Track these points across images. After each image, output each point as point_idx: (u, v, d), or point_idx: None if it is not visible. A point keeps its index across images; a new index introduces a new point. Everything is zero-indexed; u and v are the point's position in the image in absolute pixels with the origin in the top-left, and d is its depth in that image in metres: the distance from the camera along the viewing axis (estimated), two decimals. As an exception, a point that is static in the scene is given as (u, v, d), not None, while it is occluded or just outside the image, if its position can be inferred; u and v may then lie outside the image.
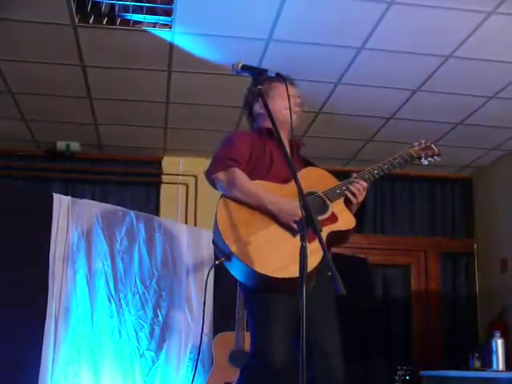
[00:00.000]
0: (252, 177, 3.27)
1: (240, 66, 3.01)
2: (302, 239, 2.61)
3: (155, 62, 5.05)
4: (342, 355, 3.21)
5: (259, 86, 2.97)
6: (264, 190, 3.20)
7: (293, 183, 3.14)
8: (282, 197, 3.18)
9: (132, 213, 5.65)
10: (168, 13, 4.39)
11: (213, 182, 3.31)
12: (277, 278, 3.04)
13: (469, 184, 7.66)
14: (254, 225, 3.16)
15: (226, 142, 3.42)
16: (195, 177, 6.82)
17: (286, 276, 3.02)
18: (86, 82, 5.37)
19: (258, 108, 3.51)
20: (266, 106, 2.90)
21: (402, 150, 6.50)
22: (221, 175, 3.24)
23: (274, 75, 2.98)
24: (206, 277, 3.48)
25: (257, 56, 4.85)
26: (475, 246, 7.48)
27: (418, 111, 5.84)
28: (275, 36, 4.62)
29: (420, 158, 3.73)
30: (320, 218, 3.15)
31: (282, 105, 3.39)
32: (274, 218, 3.16)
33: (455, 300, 7.38)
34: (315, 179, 3.36)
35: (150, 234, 5.62)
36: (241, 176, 3.22)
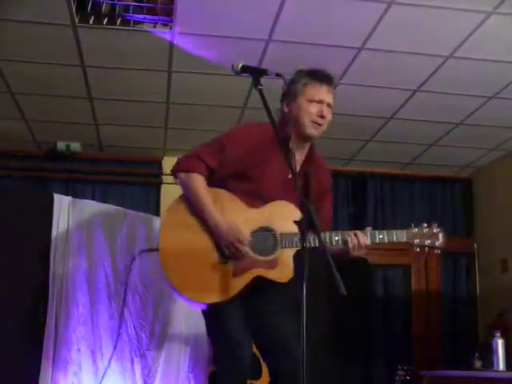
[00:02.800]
0: (231, 184, 3.23)
1: (240, 66, 3.01)
2: (304, 240, 2.63)
3: (155, 62, 5.05)
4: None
5: (260, 87, 2.96)
6: (212, 207, 3.14)
7: (266, 208, 3.18)
8: (228, 221, 3.12)
9: (132, 213, 5.67)
10: (168, 13, 4.39)
11: (174, 177, 3.31)
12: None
13: (469, 184, 7.65)
14: (193, 229, 3.16)
15: (219, 136, 3.36)
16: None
17: (192, 299, 3.14)
18: (86, 82, 5.37)
19: (284, 108, 3.37)
20: (266, 106, 2.88)
21: (401, 151, 6.54)
22: (181, 175, 3.24)
23: (274, 75, 2.98)
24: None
25: (257, 56, 4.84)
26: (475, 246, 7.47)
27: (418, 111, 5.84)
28: (275, 36, 4.62)
29: (413, 245, 3.39)
30: (259, 257, 3.13)
31: (307, 110, 3.27)
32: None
33: (455, 300, 7.38)
34: (284, 215, 3.18)
35: (150, 234, 5.62)
36: (198, 182, 3.19)
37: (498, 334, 5.51)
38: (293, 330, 3.03)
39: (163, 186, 7.06)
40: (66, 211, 5.36)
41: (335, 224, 7.26)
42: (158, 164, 7.12)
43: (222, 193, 3.24)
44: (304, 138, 3.31)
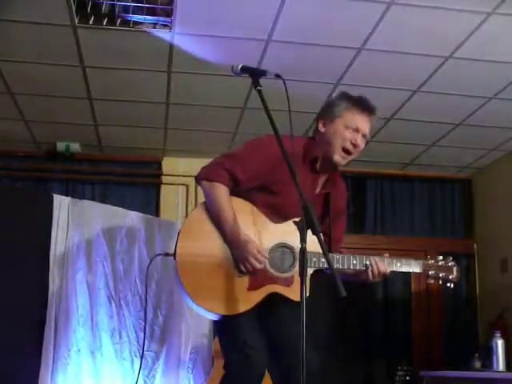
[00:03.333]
0: (254, 196, 3.21)
1: (239, 67, 3.01)
2: (303, 240, 2.62)
3: (155, 62, 5.04)
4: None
5: (259, 87, 2.96)
6: (233, 221, 3.10)
7: (287, 224, 3.12)
8: (247, 235, 3.09)
9: (132, 213, 5.67)
10: (168, 13, 4.39)
11: (198, 184, 3.29)
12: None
13: (469, 184, 7.65)
14: (212, 238, 3.13)
15: (246, 145, 3.31)
16: (195, 177, 6.82)
17: (205, 307, 3.10)
18: (86, 83, 5.37)
19: (320, 126, 3.34)
20: (265, 107, 2.87)
21: (401, 151, 6.54)
22: (204, 184, 3.21)
23: (273, 76, 2.97)
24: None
25: (256, 57, 4.84)
26: (475, 247, 7.47)
27: (417, 112, 5.84)
28: (275, 37, 4.61)
29: (429, 277, 3.40)
30: (277, 273, 3.11)
31: (341, 135, 3.25)
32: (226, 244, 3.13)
33: (455, 300, 7.38)
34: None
35: (150, 234, 5.63)
36: (221, 193, 3.15)
37: (498, 335, 5.51)
38: (308, 341, 3.00)
39: (163, 187, 7.06)
40: (65, 212, 5.36)
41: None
42: (158, 164, 7.12)
43: (245, 204, 3.20)
44: (329, 161, 3.29)
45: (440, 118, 5.99)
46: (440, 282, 3.40)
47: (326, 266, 3.10)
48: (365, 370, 7.03)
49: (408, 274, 7.27)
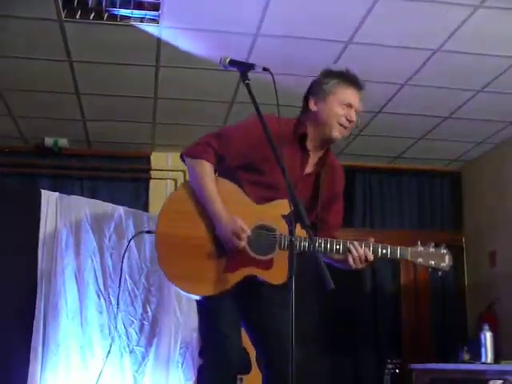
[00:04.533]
0: (242, 175, 3.18)
1: (228, 60, 3.00)
2: (291, 233, 2.61)
3: (143, 56, 5.03)
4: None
5: (247, 81, 2.95)
6: (216, 196, 3.08)
7: (271, 206, 3.10)
8: (230, 213, 3.04)
9: (121, 208, 5.65)
10: (155, 8, 4.37)
11: (183, 162, 3.26)
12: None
13: (457, 177, 7.68)
14: (192, 218, 3.11)
15: (232, 125, 3.31)
16: (184, 172, 6.80)
17: (183, 289, 3.09)
18: (73, 78, 5.35)
19: (311, 105, 3.29)
20: (253, 101, 2.87)
21: (390, 144, 6.55)
22: (189, 161, 3.18)
23: (261, 70, 2.97)
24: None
25: (244, 51, 4.84)
26: (464, 240, 7.50)
27: (405, 105, 5.85)
28: (263, 31, 4.61)
29: (418, 264, 3.36)
30: (256, 256, 3.05)
31: (336, 113, 3.23)
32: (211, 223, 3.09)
33: (444, 293, 7.40)
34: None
35: (138, 229, 5.61)
36: (205, 170, 3.12)
37: (487, 327, 5.54)
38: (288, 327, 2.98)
39: (151, 182, 7.05)
40: (53, 207, 5.34)
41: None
42: (147, 159, 7.11)
43: (228, 184, 3.17)
44: (325, 139, 3.27)
45: (428, 112, 6.00)
46: (429, 270, 3.34)
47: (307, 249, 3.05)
48: (354, 363, 7.04)
49: (397, 265, 7.39)
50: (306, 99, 3.34)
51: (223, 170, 3.23)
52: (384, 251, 3.20)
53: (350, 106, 3.25)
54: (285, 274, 2.82)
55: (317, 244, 3.05)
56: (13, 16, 4.43)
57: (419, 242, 3.32)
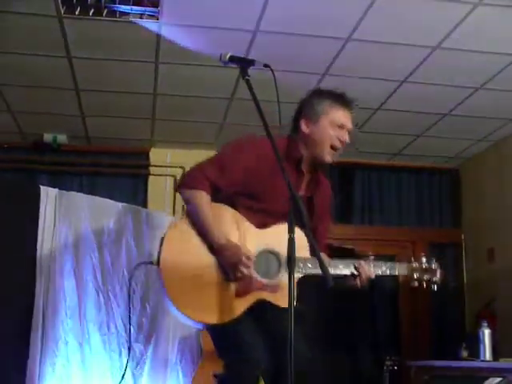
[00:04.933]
0: (240, 201, 3.15)
1: (227, 56, 3.00)
2: (291, 231, 2.61)
3: (142, 53, 5.02)
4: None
5: (247, 77, 2.95)
6: (214, 226, 3.04)
7: (272, 230, 3.08)
8: (232, 241, 3.03)
9: (120, 205, 5.66)
10: (155, 4, 4.37)
11: (179, 193, 3.22)
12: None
13: (456, 175, 7.67)
14: (196, 246, 3.06)
15: (225, 150, 3.26)
16: (183, 168, 6.80)
17: (192, 318, 3.04)
18: (72, 74, 5.34)
19: (303, 126, 3.26)
20: (253, 97, 2.86)
21: (389, 141, 6.55)
22: (185, 192, 3.14)
23: (261, 66, 2.96)
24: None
25: (244, 47, 4.83)
26: (462, 237, 7.50)
27: (405, 102, 5.84)
28: (262, 27, 4.60)
29: (413, 279, 3.44)
30: (263, 280, 3.05)
31: (328, 134, 3.20)
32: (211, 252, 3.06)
33: (442, 290, 7.36)
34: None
35: (137, 225, 5.61)
36: (201, 200, 3.08)
37: (485, 324, 5.54)
38: (300, 338, 2.94)
39: (150, 178, 7.05)
40: (52, 203, 5.34)
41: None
42: (146, 155, 7.10)
43: (226, 210, 3.14)
44: (317, 161, 3.25)
45: (427, 109, 6.00)
46: (424, 285, 3.46)
47: (312, 271, 3.06)
48: (353, 360, 7.05)
49: (395, 258, 7.39)
50: (296, 120, 3.31)
51: (219, 196, 3.17)
52: (384, 268, 3.28)
53: (342, 126, 3.23)
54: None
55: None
56: (12, 12, 4.42)
57: (412, 258, 3.42)
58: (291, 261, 2.55)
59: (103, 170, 6.96)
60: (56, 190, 5.49)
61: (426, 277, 3.41)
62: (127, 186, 6.98)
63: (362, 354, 7.06)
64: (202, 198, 3.08)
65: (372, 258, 3.23)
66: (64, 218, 5.35)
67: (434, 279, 3.45)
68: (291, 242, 2.58)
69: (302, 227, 2.62)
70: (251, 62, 2.96)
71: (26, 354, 4.98)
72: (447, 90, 5.56)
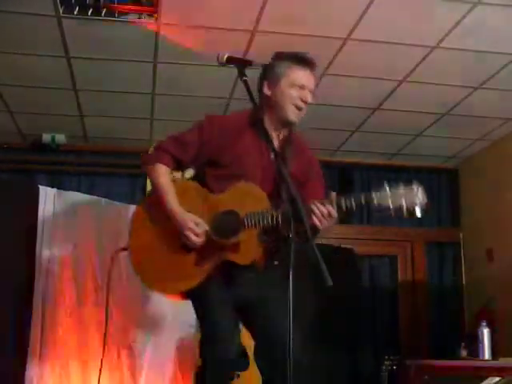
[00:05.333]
0: (209, 173, 3.21)
1: (225, 57, 3.01)
2: (291, 232, 2.62)
3: (141, 53, 5.02)
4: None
5: (245, 78, 2.96)
6: (170, 194, 3.14)
7: (227, 192, 3.13)
8: (184, 212, 3.11)
9: (118, 204, 5.65)
10: (153, 4, 4.37)
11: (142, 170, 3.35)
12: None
13: (455, 174, 7.68)
14: (159, 222, 3.18)
15: (184, 132, 3.36)
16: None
17: (157, 290, 3.23)
18: (71, 74, 5.34)
19: (265, 89, 3.27)
20: (251, 97, 2.88)
21: (388, 141, 6.54)
22: (147, 168, 3.25)
23: (260, 67, 2.97)
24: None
25: (242, 47, 4.83)
26: (461, 236, 7.50)
27: (403, 102, 5.84)
28: (260, 27, 4.60)
29: (396, 209, 3.14)
30: (221, 240, 3.08)
31: (289, 95, 3.22)
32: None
33: (442, 290, 7.41)
34: (246, 196, 3.12)
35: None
36: (159, 172, 3.19)
37: (484, 323, 5.54)
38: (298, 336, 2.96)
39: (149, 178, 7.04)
40: (51, 203, 5.35)
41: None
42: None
43: (186, 183, 3.30)
44: (283, 121, 3.26)
45: (426, 108, 6.00)
46: (405, 214, 3.14)
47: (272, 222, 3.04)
48: (352, 359, 7.04)
49: (395, 262, 7.42)
50: (260, 84, 3.31)
51: (196, 175, 3.29)
52: (348, 202, 3.02)
53: (303, 87, 3.22)
54: (252, 253, 3.02)
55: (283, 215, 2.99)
56: (10, 12, 4.42)
57: (385, 183, 3.17)
58: (291, 266, 2.55)
59: (102, 170, 6.95)
60: (55, 189, 5.50)
61: (402, 202, 3.14)
62: (126, 185, 6.97)
63: (361, 353, 7.06)
64: (159, 169, 3.20)
65: (334, 194, 3.07)
66: (63, 217, 5.36)
67: (415, 202, 3.19)
68: (291, 243, 2.59)
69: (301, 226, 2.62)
70: (249, 63, 2.96)
71: (26, 354, 4.98)
72: (446, 89, 5.56)
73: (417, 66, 5.16)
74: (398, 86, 5.53)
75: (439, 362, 5.81)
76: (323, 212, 2.99)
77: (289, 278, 2.53)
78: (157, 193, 3.18)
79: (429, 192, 7.74)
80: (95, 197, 5.82)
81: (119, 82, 5.53)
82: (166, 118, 6.30)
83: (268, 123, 3.23)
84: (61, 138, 6.68)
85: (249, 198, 3.10)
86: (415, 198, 3.20)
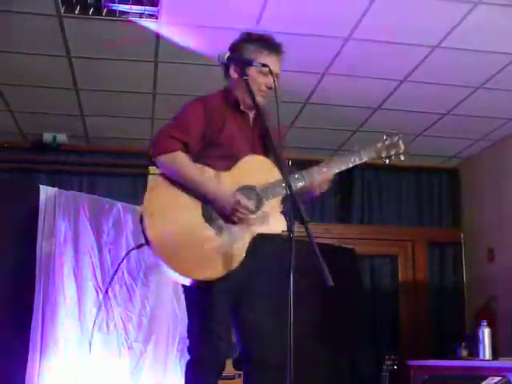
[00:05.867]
0: (206, 154, 3.18)
1: (226, 56, 3.01)
2: (290, 230, 2.62)
3: (142, 52, 5.03)
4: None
5: (245, 77, 2.96)
6: (203, 176, 3.11)
7: (236, 168, 3.14)
8: (220, 186, 3.09)
9: (119, 204, 5.64)
10: (154, 3, 4.37)
11: (155, 163, 3.25)
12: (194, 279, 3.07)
13: (456, 174, 7.68)
14: (179, 210, 3.12)
15: (179, 114, 3.32)
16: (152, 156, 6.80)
17: (201, 278, 3.05)
18: (72, 73, 5.35)
19: (232, 73, 3.25)
20: (252, 96, 2.88)
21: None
22: (162, 158, 3.16)
23: (260, 66, 2.97)
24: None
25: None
26: (462, 236, 7.51)
27: (404, 101, 5.85)
28: (262, 26, 4.60)
29: (382, 158, 3.45)
30: (251, 216, 3.08)
31: (256, 81, 3.19)
32: (203, 204, 3.10)
33: (442, 290, 7.42)
34: (257, 169, 3.18)
35: (137, 225, 5.58)
36: (183, 160, 3.13)
37: (485, 323, 5.53)
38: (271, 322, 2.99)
39: (150, 178, 7.04)
40: (52, 203, 5.33)
41: (322, 215, 7.31)
42: (145, 155, 7.09)
43: (200, 165, 3.21)
44: (250, 103, 3.22)
45: (427, 108, 6.01)
46: (393, 158, 3.43)
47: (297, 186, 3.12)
48: (352, 359, 7.04)
49: (395, 262, 7.42)
50: (226, 66, 3.28)
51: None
52: (344, 167, 3.30)
53: (269, 72, 3.18)
54: (282, 223, 2.99)
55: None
56: (12, 11, 4.42)
57: (378, 143, 3.46)
58: (291, 266, 2.55)
59: (103, 170, 6.96)
60: (55, 189, 5.48)
61: (392, 151, 3.42)
62: (127, 185, 6.98)
63: (361, 353, 7.06)
64: (183, 157, 3.13)
65: (325, 161, 3.28)
66: (64, 217, 5.34)
67: (400, 151, 3.43)
68: (292, 243, 2.59)
69: (301, 223, 2.62)
70: (249, 62, 2.96)
71: (26, 354, 4.98)
72: (447, 89, 5.57)
73: (418, 65, 5.16)
74: (399, 85, 5.53)
75: (440, 361, 5.82)
76: (318, 180, 3.19)
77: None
78: (189, 178, 3.10)
79: (429, 192, 7.82)
80: (96, 196, 5.81)
81: (120, 82, 5.54)
82: (167, 117, 6.26)
83: (241, 103, 3.26)
84: (62, 137, 6.69)
85: (259, 171, 3.14)
86: (399, 149, 3.45)
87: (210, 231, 3.07)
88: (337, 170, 3.26)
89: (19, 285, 5.04)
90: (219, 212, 3.07)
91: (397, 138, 3.43)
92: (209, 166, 3.16)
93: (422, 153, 7.19)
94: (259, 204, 3.10)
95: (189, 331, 3.26)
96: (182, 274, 3.06)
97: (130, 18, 4.54)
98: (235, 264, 3.02)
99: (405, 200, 7.60)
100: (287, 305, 2.51)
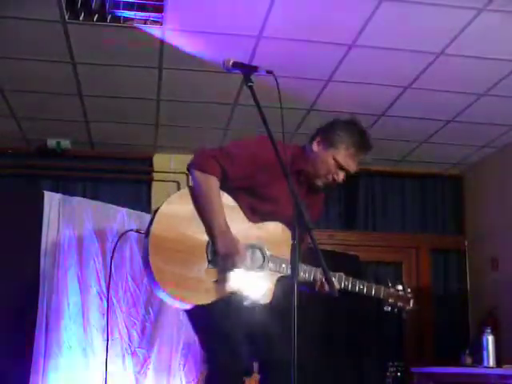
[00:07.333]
0: (244, 194, 3.19)
1: (231, 63, 3.00)
2: (294, 238, 2.61)
3: (146, 58, 5.03)
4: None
5: (250, 83, 2.96)
6: (221, 213, 3.10)
7: (263, 226, 3.17)
8: (235, 236, 3.08)
9: (123, 210, 5.65)
10: (159, 9, 4.37)
11: (188, 173, 3.28)
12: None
13: (459, 181, 7.67)
14: (190, 225, 3.11)
15: (235, 146, 3.29)
16: (186, 174, 6.80)
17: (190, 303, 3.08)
18: (76, 79, 5.35)
19: (314, 145, 3.32)
20: (256, 103, 2.88)
21: (393, 148, 6.54)
22: (197, 174, 3.17)
23: (264, 72, 2.97)
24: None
25: (247, 53, 4.83)
26: (466, 243, 7.49)
27: (408, 108, 5.84)
28: (266, 33, 4.61)
29: (387, 302, 3.46)
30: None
31: (327, 167, 3.28)
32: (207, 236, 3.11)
33: (446, 297, 7.40)
34: (279, 239, 3.15)
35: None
36: (213, 186, 3.13)
37: (489, 331, 5.53)
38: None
39: (154, 183, 7.06)
40: (56, 209, 5.34)
41: (327, 221, 7.30)
42: (149, 161, 7.11)
43: (230, 200, 3.20)
44: (312, 178, 3.32)
45: (431, 115, 6.00)
46: (395, 311, 3.46)
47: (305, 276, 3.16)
48: (356, 366, 7.03)
49: (399, 269, 7.42)
50: (316, 134, 3.36)
51: (225, 189, 3.22)
52: (361, 287, 3.35)
53: (342, 168, 3.30)
54: (268, 294, 3.07)
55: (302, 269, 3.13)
56: (16, 17, 4.43)
57: (389, 283, 3.47)
58: (295, 269, 2.55)
59: (107, 176, 6.97)
60: (60, 195, 5.50)
61: (399, 304, 3.45)
62: (131, 191, 6.99)
63: (366, 360, 7.04)
64: (214, 183, 3.13)
65: (342, 275, 3.32)
66: (68, 223, 5.35)
67: (407, 308, 3.47)
68: (294, 248, 2.59)
69: (307, 231, 2.61)
70: (254, 69, 2.96)
71: (30, 358, 4.98)
72: (451, 96, 5.56)
73: (422, 72, 5.16)
74: (403, 92, 5.53)
75: (443, 368, 5.80)
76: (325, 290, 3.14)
77: None
78: (207, 204, 3.11)
79: (433, 199, 7.82)
80: (100, 202, 5.82)
81: (124, 88, 5.54)
82: (170, 123, 6.31)
83: (304, 173, 3.31)
84: (66, 143, 6.70)
85: (279, 241, 3.12)
86: (408, 305, 3.49)
87: (205, 258, 3.08)
88: (339, 287, 3.28)
89: (23, 291, 5.05)
90: (217, 249, 3.08)
91: (410, 294, 3.50)
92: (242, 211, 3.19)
93: (425, 160, 7.19)
94: (260, 267, 3.14)
95: (204, 343, 3.25)
96: (157, 280, 3.04)
97: (134, 25, 4.54)
98: (210, 300, 3.03)
99: (409, 207, 7.59)
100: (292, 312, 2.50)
